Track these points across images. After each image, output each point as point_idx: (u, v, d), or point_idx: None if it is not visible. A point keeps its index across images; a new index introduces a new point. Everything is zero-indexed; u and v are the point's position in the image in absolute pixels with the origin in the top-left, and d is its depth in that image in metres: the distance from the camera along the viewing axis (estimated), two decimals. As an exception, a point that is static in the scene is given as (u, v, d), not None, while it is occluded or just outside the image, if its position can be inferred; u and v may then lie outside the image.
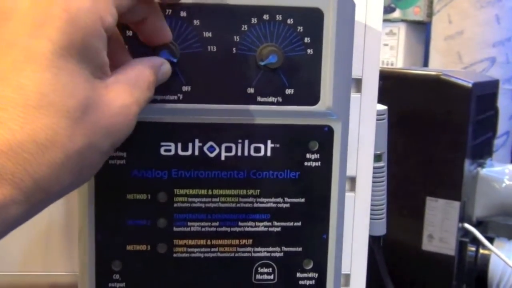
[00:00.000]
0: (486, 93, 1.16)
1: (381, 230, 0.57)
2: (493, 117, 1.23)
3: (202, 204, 0.43)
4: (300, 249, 0.45)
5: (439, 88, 1.06)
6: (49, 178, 0.29)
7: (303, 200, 0.44)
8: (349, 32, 0.44)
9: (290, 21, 0.42)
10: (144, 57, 0.38)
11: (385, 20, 2.17)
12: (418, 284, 1.10)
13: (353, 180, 0.52)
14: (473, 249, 1.10)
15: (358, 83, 0.51)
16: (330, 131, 0.44)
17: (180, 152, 0.43)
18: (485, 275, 1.11)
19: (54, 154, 0.29)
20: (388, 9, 2.13)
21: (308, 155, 0.44)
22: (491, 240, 1.11)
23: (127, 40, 0.40)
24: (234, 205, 0.44)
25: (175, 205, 0.43)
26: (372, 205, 0.55)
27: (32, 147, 0.28)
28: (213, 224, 0.44)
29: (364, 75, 0.51)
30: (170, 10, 0.40)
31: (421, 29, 2.19)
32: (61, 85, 0.30)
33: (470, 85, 1.04)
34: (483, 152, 1.19)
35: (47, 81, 0.29)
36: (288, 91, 0.42)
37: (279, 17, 0.41)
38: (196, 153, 0.43)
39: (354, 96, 0.51)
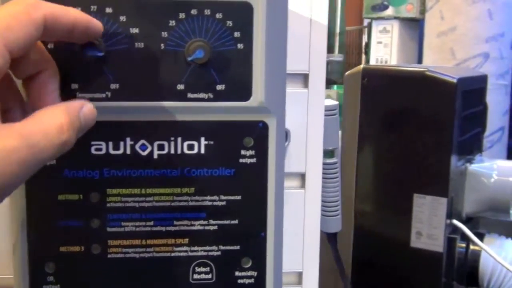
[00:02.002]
0: (473, 88, 1.14)
1: (336, 227, 0.56)
2: (482, 113, 1.21)
3: (136, 204, 0.43)
4: (237, 247, 0.44)
5: (425, 84, 1.04)
6: None
7: (239, 197, 0.43)
8: (281, 26, 0.43)
9: (219, 15, 0.41)
10: (62, 103, 0.36)
11: (378, 18, 2.16)
12: (407, 281, 1.09)
13: (303, 176, 0.51)
14: (463, 245, 1.09)
15: (305, 78, 0.50)
16: (264, 126, 0.43)
17: (111, 151, 0.42)
18: (476, 272, 1.10)
19: None
20: (381, 7, 2.11)
21: (243, 152, 0.43)
22: (481, 236, 1.09)
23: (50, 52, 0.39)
24: (168, 204, 0.43)
25: (108, 205, 0.43)
26: (325, 201, 0.54)
27: None
28: (148, 223, 0.43)
29: (310, 70, 0.50)
30: (96, 7, 0.40)
31: (414, 26, 2.17)
32: None
33: (455, 80, 1.03)
34: (472, 148, 1.17)
35: None
36: (219, 87, 0.42)
37: (207, 12, 0.41)
38: (128, 151, 0.42)
39: (301, 91, 0.50)
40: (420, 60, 1.99)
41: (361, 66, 1.09)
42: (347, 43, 2.65)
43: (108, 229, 0.43)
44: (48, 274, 0.43)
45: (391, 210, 1.09)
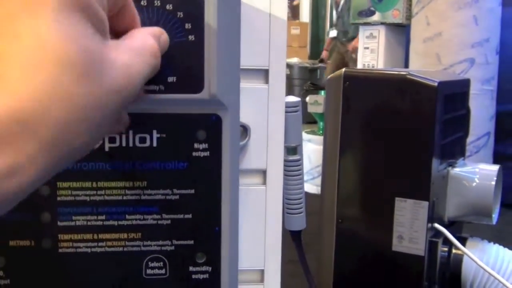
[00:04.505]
0: (455, 92, 1.14)
1: (300, 225, 0.55)
2: (465, 117, 1.21)
3: (87, 197, 0.42)
4: (191, 242, 0.44)
5: (405, 88, 1.04)
6: (55, 138, 0.26)
7: (192, 191, 0.43)
8: (234, 17, 0.43)
9: (169, 6, 0.40)
10: (144, 27, 0.37)
11: (365, 23, 2.16)
12: (389, 285, 1.09)
13: (264, 173, 0.51)
14: (446, 249, 1.08)
15: (265, 74, 0.50)
16: (217, 120, 0.42)
17: None
18: (458, 276, 1.09)
19: (57, 113, 0.26)
20: (367, 12, 2.12)
21: (196, 145, 0.43)
22: (464, 240, 1.09)
23: None
24: (120, 197, 0.43)
25: (58, 198, 0.42)
26: (289, 199, 0.54)
27: (33, 104, 0.25)
28: (100, 217, 0.43)
29: (270, 65, 0.50)
30: None
31: (401, 32, 2.18)
32: (64, 36, 0.27)
33: (435, 84, 1.03)
34: (455, 151, 1.17)
35: (51, 31, 0.26)
36: (171, 79, 0.41)
37: (157, 2, 0.40)
38: None
39: (261, 87, 0.50)
40: (406, 66, 1.99)
41: (343, 69, 1.09)
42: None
43: (59, 223, 0.42)
44: None
45: (372, 214, 1.08)
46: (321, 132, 2.41)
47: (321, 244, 1.13)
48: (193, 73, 0.41)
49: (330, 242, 1.11)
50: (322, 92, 1.91)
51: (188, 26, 0.41)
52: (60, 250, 0.42)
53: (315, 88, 2.29)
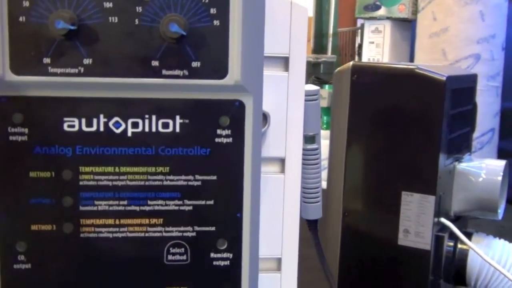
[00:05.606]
0: (463, 87, 1.14)
1: (317, 214, 0.55)
2: (471, 112, 1.21)
3: (109, 182, 0.42)
4: (213, 228, 0.43)
5: (414, 81, 1.04)
6: None
7: (215, 177, 0.43)
8: (258, 3, 0.42)
9: None
10: None
11: (370, 18, 2.16)
12: (395, 279, 1.08)
13: (282, 161, 0.51)
14: (451, 244, 1.08)
15: (285, 61, 0.50)
16: (241, 106, 0.42)
17: (84, 128, 0.41)
18: (464, 270, 1.09)
19: None
20: (373, 7, 2.12)
21: (219, 131, 0.42)
22: (469, 235, 1.09)
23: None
24: (142, 183, 0.42)
25: (80, 183, 0.42)
26: (306, 188, 0.53)
27: None
28: (121, 202, 0.42)
29: (291, 53, 0.49)
30: None
31: (406, 27, 2.17)
32: None
33: (443, 78, 1.02)
34: (461, 146, 1.17)
35: None
36: (195, 64, 0.41)
37: None
38: (101, 129, 0.41)
39: (281, 74, 0.50)
40: (412, 61, 1.99)
41: (351, 63, 1.09)
42: (341, 44, 2.65)
43: (81, 208, 0.42)
44: (19, 253, 0.42)
45: (379, 208, 1.08)
46: (324, 126, 2.41)
47: (327, 238, 1.13)
48: (217, 58, 0.41)
49: (335, 235, 1.11)
50: (327, 86, 1.91)
51: (213, 11, 0.41)
52: (81, 235, 0.42)
53: (319, 81, 2.28)
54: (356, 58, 2.44)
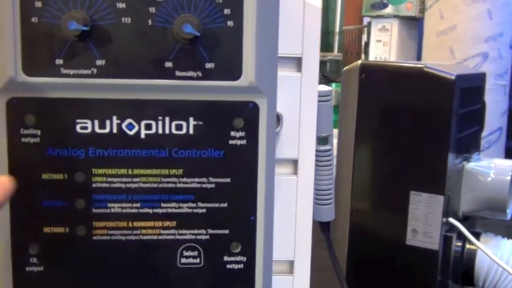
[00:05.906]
0: (471, 86, 1.13)
1: (330, 216, 0.54)
2: (480, 111, 1.20)
3: (122, 185, 0.42)
4: (227, 231, 0.43)
5: (422, 80, 1.04)
6: None
7: (228, 180, 0.42)
8: (272, 4, 0.42)
9: None
10: None
11: (377, 16, 2.15)
12: (403, 279, 1.08)
13: (295, 163, 0.50)
14: (460, 244, 1.08)
15: (298, 62, 0.49)
16: (255, 107, 0.42)
17: (97, 130, 0.41)
18: (472, 270, 1.09)
19: None
20: (380, 5, 2.11)
21: (233, 133, 0.42)
22: (478, 235, 1.08)
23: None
24: (156, 185, 0.42)
25: (93, 185, 0.41)
26: (318, 190, 0.53)
27: None
28: (134, 205, 0.42)
29: (304, 53, 0.49)
30: None
31: (414, 25, 2.16)
32: None
33: (453, 77, 1.02)
34: (470, 146, 1.16)
35: None
36: (209, 65, 0.40)
37: None
38: (114, 130, 0.41)
39: (294, 75, 0.49)
40: (419, 59, 1.98)
41: (359, 61, 1.08)
42: (347, 42, 2.64)
43: (94, 210, 0.42)
44: (31, 256, 0.42)
45: (387, 208, 1.08)
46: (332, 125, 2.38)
47: (335, 237, 1.13)
48: (231, 60, 0.41)
49: (343, 235, 1.11)
50: (333, 85, 1.90)
51: (227, 11, 0.40)
52: (94, 238, 0.42)
53: (326, 80, 2.28)
54: (363, 56, 2.43)
